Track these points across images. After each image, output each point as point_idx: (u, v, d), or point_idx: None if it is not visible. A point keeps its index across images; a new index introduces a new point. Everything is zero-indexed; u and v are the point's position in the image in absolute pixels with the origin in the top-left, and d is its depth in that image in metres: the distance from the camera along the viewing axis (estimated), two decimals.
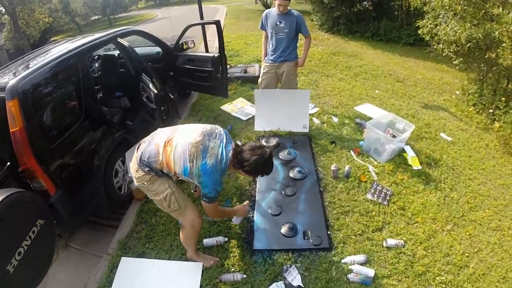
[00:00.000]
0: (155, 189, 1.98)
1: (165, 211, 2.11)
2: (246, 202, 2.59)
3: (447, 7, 4.69)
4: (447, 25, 4.78)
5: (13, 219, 1.71)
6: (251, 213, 2.65)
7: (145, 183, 1.96)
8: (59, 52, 2.62)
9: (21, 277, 1.75)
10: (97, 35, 3.15)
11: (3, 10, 15.23)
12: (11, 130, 2.03)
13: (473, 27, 4.25)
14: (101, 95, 3.90)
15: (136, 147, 2.03)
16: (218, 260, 2.30)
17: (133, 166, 2.00)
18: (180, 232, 2.22)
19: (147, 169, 1.92)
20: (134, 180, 2.02)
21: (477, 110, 5.10)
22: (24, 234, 1.76)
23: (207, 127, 1.94)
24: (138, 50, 3.86)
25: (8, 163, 2.06)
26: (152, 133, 2.05)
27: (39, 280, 1.95)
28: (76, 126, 2.58)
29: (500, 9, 3.70)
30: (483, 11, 4.11)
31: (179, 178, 2.03)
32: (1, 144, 2.32)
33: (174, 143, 1.87)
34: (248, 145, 1.94)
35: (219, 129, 1.97)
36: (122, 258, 2.39)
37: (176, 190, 2.03)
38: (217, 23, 3.81)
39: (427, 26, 5.39)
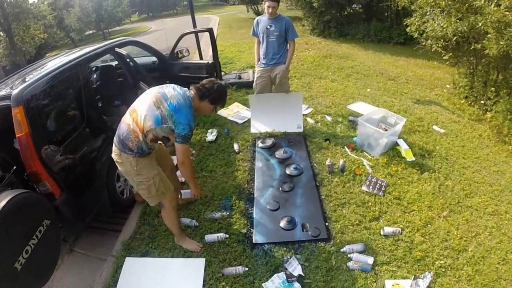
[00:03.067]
0: (144, 174, 2.09)
1: (147, 196, 2.21)
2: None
3: (432, 3, 4.81)
4: (434, 22, 4.89)
5: (21, 218, 1.77)
6: (249, 209, 2.71)
7: (135, 168, 2.06)
8: (60, 62, 2.71)
9: (27, 276, 1.79)
10: (95, 46, 3.25)
11: None
12: (17, 135, 2.11)
13: (458, 21, 4.36)
14: (100, 104, 3.98)
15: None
16: (202, 246, 2.43)
17: (114, 153, 2.13)
18: (162, 212, 2.35)
19: (127, 150, 2.03)
20: (119, 166, 2.13)
21: (469, 102, 5.18)
22: (31, 233, 1.82)
23: (159, 88, 2.11)
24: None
25: (15, 167, 2.12)
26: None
27: (45, 280, 1.99)
28: (78, 132, 2.67)
29: (482, 1, 3.81)
30: (466, 5, 4.22)
31: (154, 144, 2.13)
32: (7, 149, 2.41)
33: (137, 108, 2.04)
34: (204, 81, 2.14)
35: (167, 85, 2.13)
36: (127, 258, 2.43)
37: (161, 172, 2.19)
38: (210, 30, 3.94)
39: (415, 24, 5.51)
